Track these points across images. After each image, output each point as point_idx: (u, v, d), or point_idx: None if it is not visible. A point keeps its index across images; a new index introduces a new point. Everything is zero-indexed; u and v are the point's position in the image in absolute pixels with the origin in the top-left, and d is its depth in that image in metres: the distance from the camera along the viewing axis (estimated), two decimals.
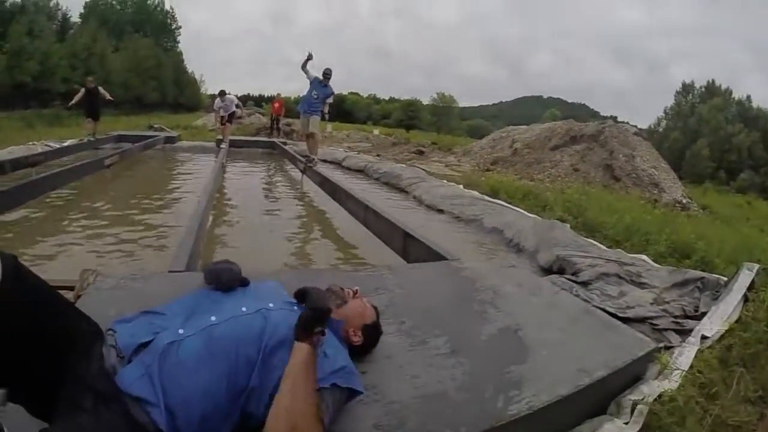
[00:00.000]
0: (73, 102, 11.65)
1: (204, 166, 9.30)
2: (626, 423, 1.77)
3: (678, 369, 2.19)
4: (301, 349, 1.19)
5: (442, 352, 1.73)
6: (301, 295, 1.32)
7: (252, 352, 1.20)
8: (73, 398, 1.05)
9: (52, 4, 38.16)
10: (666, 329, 2.55)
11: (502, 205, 6.24)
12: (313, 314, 1.24)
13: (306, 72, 8.22)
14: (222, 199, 6.55)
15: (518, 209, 6.03)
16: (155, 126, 17.29)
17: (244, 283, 1.46)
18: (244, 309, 1.30)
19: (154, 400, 1.07)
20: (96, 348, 1.16)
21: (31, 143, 10.01)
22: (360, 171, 9.96)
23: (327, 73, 8.19)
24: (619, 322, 2.20)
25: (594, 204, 6.27)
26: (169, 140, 12.92)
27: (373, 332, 1.63)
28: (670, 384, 2.08)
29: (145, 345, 1.17)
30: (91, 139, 11.13)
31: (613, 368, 1.75)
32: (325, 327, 1.26)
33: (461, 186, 8.13)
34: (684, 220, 5.95)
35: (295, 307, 1.42)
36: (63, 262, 3.43)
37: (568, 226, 4.83)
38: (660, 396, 1.94)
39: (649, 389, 1.95)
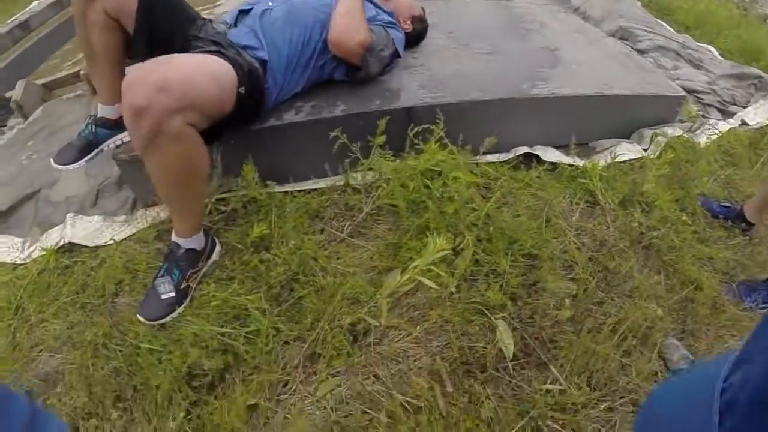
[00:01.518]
0: None
1: None
2: (644, 149, 1.98)
3: (709, 129, 2.31)
4: None
5: (483, 52, 1.97)
6: None
7: (324, 17, 1.54)
8: (201, 48, 1.42)
9: None
10: (710, 105, 2.59)
11: None
12: None
13: None
14: None
15: None
16: None
17: None
18: None
19: (259, 45, 1.44)
20: (208, 23, 1.54)
21: None
22: None
23: None
24: (656, 69, 2.26)
25: None
26: None
27: (420, 22, 1.92)
28: (695, 138, 2.22)
29: (245, 13, 1.55)
30: None
31: (637, 93, 1.89)
32: None
33: None
34: (766, 31, 5.41)
35: None
36: None
37: (639, 3, 4.58)
38: (680, 138, 2.10)
39: (673, 131, 2.11)
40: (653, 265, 1.65)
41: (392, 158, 1.42)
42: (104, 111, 1.54)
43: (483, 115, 1.58)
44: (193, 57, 1.25)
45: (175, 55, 1.21)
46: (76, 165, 1.51)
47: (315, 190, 1.55)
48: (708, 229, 1.88)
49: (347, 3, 1.53)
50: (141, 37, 1.40)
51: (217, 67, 1.25)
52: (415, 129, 1.43)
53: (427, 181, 1.38)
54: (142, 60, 1.49)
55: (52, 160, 1.52)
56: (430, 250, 1.15)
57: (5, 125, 2.61)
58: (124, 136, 1.58)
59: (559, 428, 1.31)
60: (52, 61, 3.42)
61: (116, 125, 1.56)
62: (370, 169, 1.43)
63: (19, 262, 1.69)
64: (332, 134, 1.38)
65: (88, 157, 1.53)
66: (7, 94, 2.70)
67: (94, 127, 1.53)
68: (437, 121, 1.43)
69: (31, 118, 2.53)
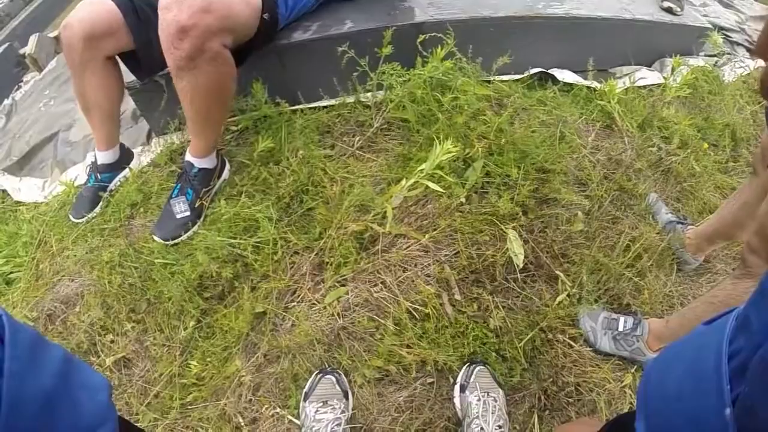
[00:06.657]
0: None
1: None
2: (665, 77, 1.91)
3: (736, 64, 2.21)
4: None
5: None
6: None
7: None
8: None
9: None
10: (738, 43, 2.48)
11: None
12: None
13: None
14: None
15: None
16: None
17: None
18: None
19: None
20: None
21: None
22: None
23: None
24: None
25: None
26: None
27: None
28: (719, 73, 2.13)
29: None
30: None
31: (657, 19, 1.81)
32: None
33: None
34: None
35: None
36: None
37: None
38: (703, 68, 2.02)
39: (696, 62, 2.03)
40: (671, 190, 1.60)
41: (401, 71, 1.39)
42: (104, 157, 1.54)
43: (495, 33, 1.53)
44: None
45: None
46: (91, 214, 1.53)
47: (325, 107, 1.53)
48: (731, 162, 1.82)
49: None
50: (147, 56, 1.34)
51: None
52: (423, 37, 1.37)
53: (438, 95, 1.36)
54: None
55: (70, 216, 1.53)
56: (437, 153, 1.13)
57: (22, 81, 2.66)
58: (125, 173, 1.61)
59: (570, 341, 1.29)
60: (62, 16, 3.48)
61: (117, 167, 1.58)
62: (380, 83, 1.40)
63: (40, 200, 1.73)
64: (340, 49, 1.35)
65: (100, 205, 1.55)
66: (21, 50, 2.74)
67: (98, 175, 1.54)
68: (447, 35, 1.39)
69: (46, 70, 2.57)
